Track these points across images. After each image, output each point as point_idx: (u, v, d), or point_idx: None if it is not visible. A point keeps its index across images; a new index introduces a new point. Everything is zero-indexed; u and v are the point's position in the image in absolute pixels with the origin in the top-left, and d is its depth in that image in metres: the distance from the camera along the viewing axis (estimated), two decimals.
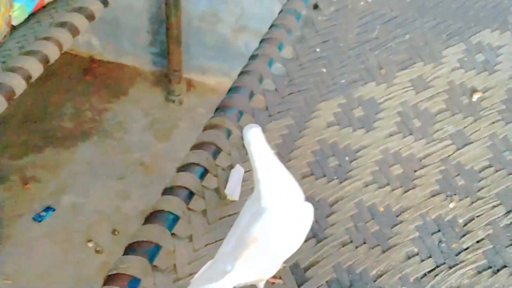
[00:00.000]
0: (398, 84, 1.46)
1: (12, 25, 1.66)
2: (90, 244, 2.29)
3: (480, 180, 1.25)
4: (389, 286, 1.06)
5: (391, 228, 1.16)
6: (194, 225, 1.13)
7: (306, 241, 1.02)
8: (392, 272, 1.09)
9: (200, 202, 1.17)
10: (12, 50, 1.61)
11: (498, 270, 1.10)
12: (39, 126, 2.72)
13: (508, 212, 1.19)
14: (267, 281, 1.03)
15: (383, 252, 1.12)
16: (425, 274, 1.09)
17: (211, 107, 1.46)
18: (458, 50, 1.55)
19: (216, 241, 1.10)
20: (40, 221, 2.35)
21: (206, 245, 1.10)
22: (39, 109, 2.80)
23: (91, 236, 2.31)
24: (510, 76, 1.48)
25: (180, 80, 2.86)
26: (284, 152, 1.29)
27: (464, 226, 1.17)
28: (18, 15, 1.66)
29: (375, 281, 1.07)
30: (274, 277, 1.03)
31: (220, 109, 1.35)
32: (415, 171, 1.27)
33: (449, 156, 1.30)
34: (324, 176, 1.25)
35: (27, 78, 1.52)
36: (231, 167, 1.24)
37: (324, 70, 1.50)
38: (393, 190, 1.23)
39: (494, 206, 1.20)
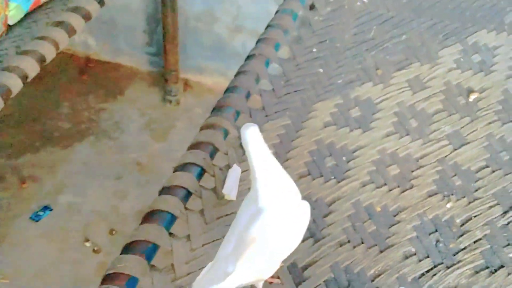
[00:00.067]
0: (394, 85, 1.46)
1: (8, 25, 1.65)
2: (87, 244, 2.29)
3: (477, 181, 1.25)
4: (386, 286, 1.07)
5: (389, 228, 1.16)
6: (192, 225, 1.13)
7: (303, 241, 1.02)
8: (390, 272, 1.09)
9: (198, 201, 1.17)
10: (8, 49, 1.61)
11: (495, 270, 1.10)
12: (36, 126, 2.72)
13: (505, 212, 1.19)
14: (265, 281, 1.03)
15: (381, 252, 1.12)
16: (422, 274, 1.09)
17: (208, 107, 1.46)
18: (455, 50, 1.55)
19: (213, 241, 1.11)
20: (37, 221, 2.35)
21: (203, 245, 1.10)
22: (36, 109, 2.80)
23: (89, 236, 2.31)
24: (506, 76, 1.49)
25: (177, 80, 2.86)
26: (281, 152, 1.29)
27: (461, 226, 1.17)
28: (14, 14, 1.66)
29: (372, 281, 1.07)
30: (272, 277, 1.03)
31: (217, 109, 1.36)
32: (412, 171, 1.27)
33: (446, 156, 1.30)
34: (321, 176, 1.26)
35: (24, 77, 1.52)
36: (228, 167, 1.24)
37: (321, 70, 1.50)
38: (390, 190, 1.23)
39: (491, 206, 1.20)
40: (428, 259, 1.11)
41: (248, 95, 1.40)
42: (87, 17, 1.74)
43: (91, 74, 3.01)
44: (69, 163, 2.59)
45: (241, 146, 1.27)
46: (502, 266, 1.10)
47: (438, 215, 1.18)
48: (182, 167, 1.21)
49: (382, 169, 1.27)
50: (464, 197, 1.22)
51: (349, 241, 1.13)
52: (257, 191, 0.95)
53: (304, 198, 1.00)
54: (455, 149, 1.32)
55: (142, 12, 2.89)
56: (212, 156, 1.25)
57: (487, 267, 1.10)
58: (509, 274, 1.09)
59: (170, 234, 1.10)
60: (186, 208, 1.15)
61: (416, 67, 1.51)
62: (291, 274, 1.07)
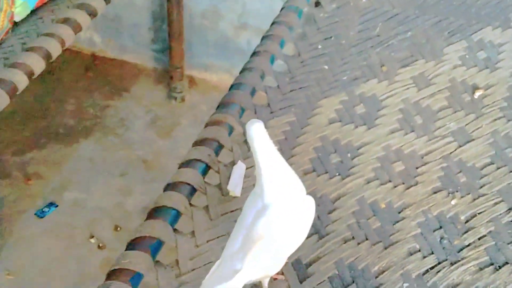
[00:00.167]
0: (399, 81, 1.46)
1: (14, 22, 1.66)
2: (92, 240, 2.29)
3: (482, 177, 1.25)
4: (391, 282, 1.07)
5: (393, 224, 1.16)
6: (196, 221, 1.13)
7: (308, 237, 1.02)
8: (394, 268, 1.09)
9: (202, 198, 1.17)
10: (14, 46, 1.62)
11: (500, 267, 1.10)
12: (42, 123, 2.73)
13: (510, 209, 1.19)
14: (270, 277, 1.03)
15: (385, 248, 1.12)
16: (427, 271, 1.09)
17: (213, 104, 1.46)
18: (460, 47, 1.55)
19: (218, 237, 1.11)
20: (42, 217, 2.35)
21: (208, 241, 1.11)
22: (42, 106, 2.80)
23: (93, 232, 2.32)
24: (511, 73, 1.48)
25: (182, 77, 2.86)
26: (286, 149, 1.30)
27: (466, 223, 1.17)
28: (20, 11, 1.66)
29: (377, 277, 1.07)
30: (277, 273, 1.03)
31: (222, 105, 1.36)
32: (417, 168, 1.27)
33: (451, 153, 1.30)
34: (326, 172, 1.26)
35: (30, 74, 1.52)
36: (233, 163, 1.24)
37: (326, 67, 1.50)
38: (395, 186, 1.23)
39: (496, 203, 1.20)
40: (432, 255, 1.11)
41: (253, 92, 1.40)
42: (92, 14, 1.74)
43: (97, 71, 3.02)
44: (74, 159, 2.59)
45: (245, 142, 1.27)
46: (507, 263, 1.10)
47: (442, 211, 1.18)
48: (187, 164, 1.21)
49: (387, 165, 1.27)
50: (469, 194, 1.22)
51: (353, 238, 1.14)
52: (262, 187, 0.95)
53: (309, 194, 1.00)
54: (460, 146, 1.32)
55: (148, 9, 2.90)
56: (217, 152, 1.25)
57: (492, 264, 1.10)
58: None
59: (175, 230, 1.10)
60: (191, 205, 1.15)
61: (421, 64, 1.51)
62: (296, 271, 1.07)
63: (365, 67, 1.50)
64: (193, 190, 1.17)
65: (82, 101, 2.85)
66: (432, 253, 1.11)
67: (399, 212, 1.18)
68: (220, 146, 1.26)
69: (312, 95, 1.43)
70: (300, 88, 1.44)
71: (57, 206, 2.39)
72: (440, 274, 1.08)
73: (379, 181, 1.24)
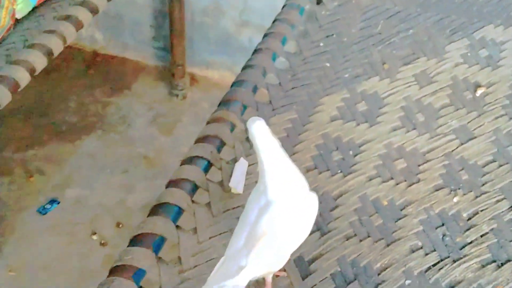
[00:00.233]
0: (401, 79, 1.46)
1: (16, 19, 1.66)
2: (94, 237, 2.30)
3: (484, 175, 1.25)
4: (393, 279, 1.07)
5: (395, 222, 1.16)
6: (198, 218, 1.14)
7: (310, 234, 1.02)
8: (396, 265, 1.09)
9: (204, 195, 1.17)
10: (16, 43, 1.62)
11: (502, 264, 1.10)
12: (43, 120, 2.73)
13: None
14: (273, 274, 1.03)
15: (387, 245, 1.12)
16: (429, 268, 1.09)
17: (214, 101, 1.46)
18: (462, 45, 1.55)
19: (220, 234, 1.11)
20: (44, 214, 2.36)
21: (210, 238, 1.11)
22: (43, 103, 2.80)
23: (95, 229, 2.32)
24: None
25: (184, 74, 2.86)
26: (288, 146, 1.29)
27: (468, 220, 1.17)
28: (22, 8, 1.66)
29: (379, 274, 1.08)
30: (279, 270, 1.03)
31: (223, 103, 1.36)
32: (419, 165, 1.27)
33: (452, 150, 1.30)
34: (328, 170, 1.26)
35: (31, 71, 1.52)
36: (235, 160, 1.24)
37: (328, 64, 1.50)
38: (397, 184, 1.23)
39: (498, 201, 1.20)
40: (434, 253, 1.11)
41: (255, 89, 1.40)
42: (94, 11, 1.74)
43: (98, 68, 3.02)
44: (76, 156, 2.60)
45: (247, 139, 1.27)
46: (509, 260, 1.10)
47: (444, 209, 1.19)
48: (189, 161, 1.22)
49: (389, 163, 1.27)
50: (471, 191, 1.22)
51: (355, 235, 1.14)
52: (265, 184, 0.95)
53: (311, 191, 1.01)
54: (462, 144, 1.32)
55: (149, 6, 2.89)
56: (219, 149, 1.25)
57: (494, 261, 1.10)
58: None
59: (177, 227, 1.11)
60: (193, 201, 1.15)
61: (423, 62, 1.51)
62: (298, 267, 1.08)
63: (366, 65, 1.50)
64: (195, 187, 1.17)
65: (84, 98, 2.85)
66: (434, 250, 1.12)
67: (401, 210, 1.18)
68: (222, 143, 1.26)
69: (314, 92, 1.43)
70: (302, 85, 1.44)
71: (59, 203, 2.39)
72: (442, 271, 1.08)
73: (381, 178, 1.24)
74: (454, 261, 1.10)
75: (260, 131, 0.93)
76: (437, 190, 1.22)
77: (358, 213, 1.18)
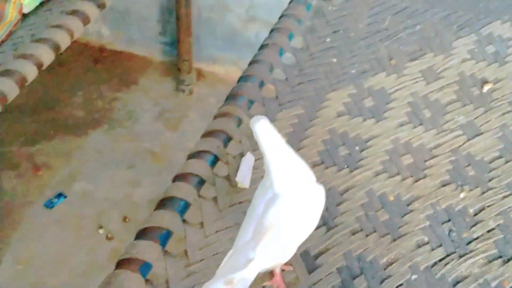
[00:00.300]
0: (408, 75, 1.46)
1: (23, 13, 1.66)
2: (101, 231, 2.31)
3: (491, 171, 1.25)
4: (399, 274, 1.07)
5: (402, 217, 1.16)
6: (205, 212, 1.14)
7: (316, 229, 1.03)
8: (403, 260, 1.09)
9: (211, 189, 1.18)
10: (23, 37, 1.62)
11: (508, 260, 1.10)
12: (50, 114, 2.74)
13: None
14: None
15: (394, 240, 1.12)
16: (435, 263, 1.09)
17: (221, 96, 1.47)
18: (469, 41, 1.55)
19: (226, 228, 1.11)
20: (51, 208, 2.37)
21: (216, 232, 1.11)
22: (50, 98, 2.82)
23: (102, 223, 2.33)
24: None
25: (190, 69, 2.86)
26: (294, 141, 1.30)
27: (474, 216, 1.17)
28: (29, 3, 1.67)
29: (385, 269, 1.08)
30: (285, 264, 1.04)
31: (230, 97, 1.36)
32: (426, 161, 1.27)
33: (459, 146, 1.30)
34: (335, 165, 1.26)
35: (39, 65, 1.53)
36: (242, 155, 1.25)
37: (334, 60, 1.50)
38: (403, 179, 1.23)
39: (504, 197, 1.20)
40: (441, 248, 1.11)
41: (261, 84, 1.40)
42: (101, 6, 1.75)
43: (105, 63, 3.03)
44: (83, 151, 2.61)
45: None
46: None
47: (451, 204, 1.19)
48: (195, 155, 1.22)
49: (396, 158, 1.27)
50: (478, 187, 1.22)
51: (362, 230, 1.14)
52: (272, 177, 0.96)
53: None
54: (469, 139, 1.32)
55: (156, 2, 2.90)
56: (225, 144, 1.25)
57: (500, 257, 1.10)
58: None
59: (184, 220, 1.11)
60: (199, 195, 1.16)
61: (429, 58, 1.51)
62: (304, 262, 1.08)
63: (373, 60, 1.50)
64: (202, 181, 1.18)
65: (91, 93, 2.86)
66: (441, 245, 1.12)
67: (408, 205, 1.19)
68: (229, 138, 1.27)
69: (321, 88, 1.43)
70: (309, 81, 1.44)
71: (65, 197, 2.41)
72: (448, 266, 1.09)
73: (388, 173, 1.24)
74: (460, 257, 1.10)
75: (263, 130, 0.94)
76: (443, 185, 1.22)
77: (365, 208, 1.18)
